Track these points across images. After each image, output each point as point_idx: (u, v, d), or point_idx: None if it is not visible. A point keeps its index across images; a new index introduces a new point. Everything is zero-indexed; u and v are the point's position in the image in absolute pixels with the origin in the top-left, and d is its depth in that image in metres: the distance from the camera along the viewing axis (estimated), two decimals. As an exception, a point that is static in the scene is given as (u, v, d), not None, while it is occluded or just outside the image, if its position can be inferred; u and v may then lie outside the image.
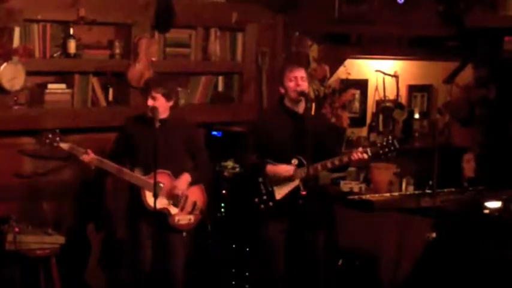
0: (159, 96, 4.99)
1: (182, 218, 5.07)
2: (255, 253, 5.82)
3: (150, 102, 4.98)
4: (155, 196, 4.84)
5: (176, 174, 5.04)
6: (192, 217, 5.11)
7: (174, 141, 5.01)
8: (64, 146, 4.95)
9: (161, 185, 4.97)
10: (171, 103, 5.07)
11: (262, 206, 5.07)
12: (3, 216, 5.37)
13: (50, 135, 4.93)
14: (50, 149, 4.97)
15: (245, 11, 6.46)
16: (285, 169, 5.01)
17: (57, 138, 4.94)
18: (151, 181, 4.90)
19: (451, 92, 7.75)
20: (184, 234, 5.12)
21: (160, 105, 4.99)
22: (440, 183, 5.79)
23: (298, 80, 5.05)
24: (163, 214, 5.01)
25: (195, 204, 5.11)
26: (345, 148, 6.71)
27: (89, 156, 4.95)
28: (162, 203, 4.99)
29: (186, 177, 5.06)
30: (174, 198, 5.03)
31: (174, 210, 5.04)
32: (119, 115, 5.81)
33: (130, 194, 5.13)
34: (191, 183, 5.09)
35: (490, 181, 6.47)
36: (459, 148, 7.05)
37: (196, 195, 5.14)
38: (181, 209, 5.06)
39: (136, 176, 5.00)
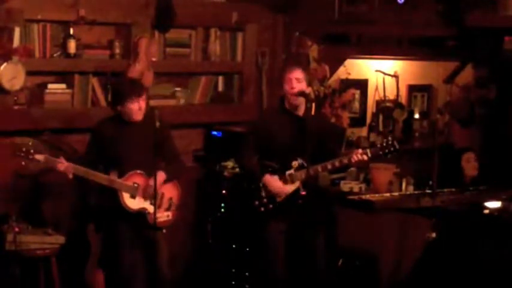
0: (144, 98, 5.07)
1: (160, 215, 5.10)
2: (255, 253, 5.82)
3: (143, 105, 5.02)
4: (155, 199, 4.87)
5: (150, 173, 5.02)
6: (169, 213, 5.17)
7: (147, 140, 4.99)
8: (39, 157, 4.93)
9: (136, 185, 5.02)
10: None
11: (262, 208, 5.07)
12: (3, 216, 5.37)
13: (24, 149, 4.90)
14: (26, 162, 4.93)
15: (245, 11, 6.46)
16: (277, 188, 5.03)
17: (31, 151, 4.91)
18: (128, 183, 5.01)
19: (451, 92, 7.75)
20: (164, 231, 5.16)
21: (146, 107, 5.08)
22: (441, 184, 5.78)
23: (293, 81, 5.03)
24: (142, 214, 5.05)
25: (171, 200, 5.16)
26: (345, 148, 6.72)
27: (63, 165, 4.93)
28: (139, 203, 5.04)
29: (161, 176, 5.06)
30: (151, 198, 5.03)
31: (151, 208, 5.05)
32: (119, 115, 5.81)
33: (105, 197, 5.13)
34: (166, 180, 5.12)
35: (491, 181, 6.47)
36: (459, 148, 7.03)
37: (171, 191, 5.19)
38: (159, 207, 5.09)
39: (113, 179, 5.00)
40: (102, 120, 5.20)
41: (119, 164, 5.04)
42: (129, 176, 5.04)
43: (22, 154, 4.92)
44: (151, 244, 5.08)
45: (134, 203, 5.04)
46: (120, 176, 5.03)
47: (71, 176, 4.96)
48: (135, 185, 5.03)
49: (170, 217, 5.18)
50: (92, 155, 5.11)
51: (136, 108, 5.00)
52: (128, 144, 5.02)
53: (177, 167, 5.25)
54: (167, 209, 5.16)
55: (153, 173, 4.89)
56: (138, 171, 5.04)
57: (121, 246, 5.09)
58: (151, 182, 5.00)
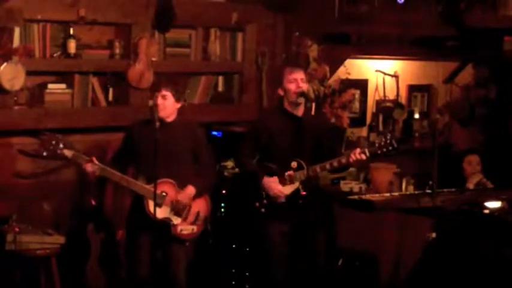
0: (169, 94, 4.90)
1: (185, 228, 4.97)
2: (255, 253, 5.82)
3: (159, 100, 4.88)
4: (155, 204, 4.77)
5: (180, 180, 4.93)
6: (195, 227, 5.01)
7: (179, 145, 4.91)
8: (67, 153, 4.82)
9: (164, 194, 4.89)
10: (178, 105, 4.98)
11: (263, 209, 5.06)
12: (3, 216, 5.37)
13: (54, 142, 4.80)
14: (51, 154, 4.84)
15: (245, 11, 6.46)
16: (276, 191, 5.00)
17: (61, 145, 4.81)
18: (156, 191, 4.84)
19: (451, 92, 7.76)
20: (187, 244, 5.04)
21: (170, 105, 4.90)
22: (442, 184, 5.78)
23: (299, 81, 5.04)
24: (166, 224, 4.92)
25: (198, 214, 5.02)
26: (345, 148, 6.72)
27: (93, 165, 4.83)
28: (164, 212, 4.90)
29: (190, 190, 4.95)
30: (177, 209, 4.94)
31: (176, 220, 4.94)
32: (119, 115, 5.81)
33: (132, 203, 5.04)
34: (196, 195, 4.98)
35: (491, 181, 6.48)
36: (463, 150, 7.01)
37: (199, 205, 5.04)
38: (184, 219, 4.98)
39: (139, 184, 4.89)
40: (138, 120, 5.07)
41: (147, 169, 4.86)
42: (158, 184, 4.84)
43: (51, 147, 4.81)
44: (170, 256, 4.99)
45: (159, 212, 4.86)
46: (148, 182, 4.87)
47: (97, 173, 4.84)
48: (163, 193, 4.87)
49: (195, 230, 5.02)
50: (120, 155, 5.04)
51: (156, 103, 4.88)
52: (159, 149, 4.78)
53: (208, 182, 5.09)
54: (193, 223, 5.00)
55: (154, 175, 4.77)
56: (169, 180, 4.88)
57: (139, 253, 4.98)
58: (181, 197, 4.90)
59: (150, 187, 4.82)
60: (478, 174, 6.51)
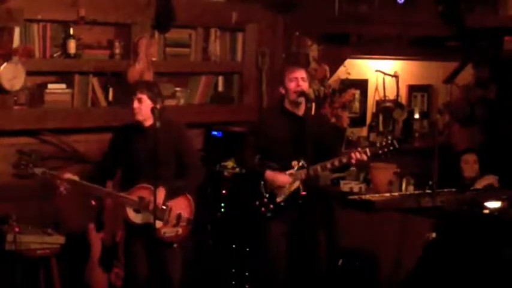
0: (144, 97, 4.83)
1: (168, 231, 4.92)
2: (255, 253, 5.82)
3: (135, 104, 4.83)
4: (154, 213, 4.74)
5: (162, 183, 4.84)
6: (179, 229, 4.95)
7: (160, 148, 4.79)
8: (38, 170, 4.90)
9: (140, 199, 4.85)
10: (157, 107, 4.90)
11: (263, 208, 5.06)
12: (3, 216, 5.37)
13: (24, 162, 4.91)
14: (24, 173, 4.97)
15: (245, 11, 6.46)
16: (281, 179, 5.01)
17: (31, 165, 4.90)
18: (132, 197, 4.86)
19: (451, 92, 7.76)
20: (175, 245, 4.96)
21: (147, 107, 4.82)
22: (440, 184, 5.78)
23: (299, 80, 5.05)
24: (151, 228, 4.82)
25: (179, 216, 4.94)
26: (345, 148, 6.72)
27: (61, 181, 4.89)
28: (143, 217, 4.87)
29: (160, 192, 4.80)
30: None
31: (158, 223, 4.85)
32: (119, 115, 5.80)
33: None
34: (172, 195, 4.88)
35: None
36: (461, 150, 7.02)
37: (181, 206, 4.95)
38: (166, 223, 4.91)
39: (113, 193, 4.95)
40: (124, 124, 5.06)
41: (130, 174, 4.92)
42: (135, 190, 4.86)
43: (22, 167, 4.92)
44: (161, 259, 4.97)
45: (137, 217, 4.87)
46: (128, 187, 4.89)
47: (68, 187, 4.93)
48: (140, 199, 4.84)
49: (180, 232, 4.95)
50: (106, 161, 5.05)
51: (132, 106, 4.86)
52: (139, 153, 4.84)
53: (188, 182, 4.99)
54: (175, 225, 4.93)
55: (154, 174, 4.72)
56: (145, 185, 4.83)
57: (132, 255, 5.00)
58: (152, 199, 4.80)
59: (126, 194, 4.86)
60: (490, 177, 6.45)
